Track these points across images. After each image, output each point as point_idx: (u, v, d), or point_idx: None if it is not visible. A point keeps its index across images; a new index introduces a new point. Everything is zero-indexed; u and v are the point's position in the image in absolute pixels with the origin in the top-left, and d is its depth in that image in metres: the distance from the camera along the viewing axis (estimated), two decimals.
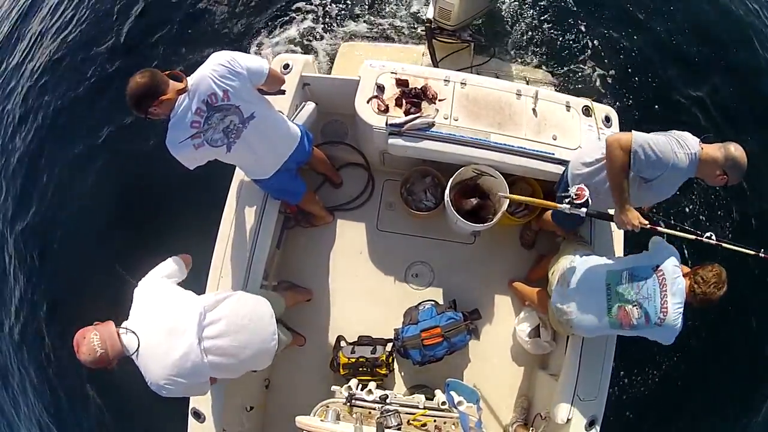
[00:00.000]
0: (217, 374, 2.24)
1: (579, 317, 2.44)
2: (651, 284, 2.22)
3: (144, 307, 2.06)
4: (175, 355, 2.00)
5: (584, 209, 2.26)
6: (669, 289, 2.18)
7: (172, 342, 2.01)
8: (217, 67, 2.11)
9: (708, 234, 2.22)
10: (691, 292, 2.17)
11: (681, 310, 2.18)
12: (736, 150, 2.10)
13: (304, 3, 5.08)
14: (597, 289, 2.37)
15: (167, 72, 2.08)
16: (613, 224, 2.37)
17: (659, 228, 2.25)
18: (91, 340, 1.87)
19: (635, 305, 2.24)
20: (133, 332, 1.95)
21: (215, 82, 2.10)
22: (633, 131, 2.18)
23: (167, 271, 2.22)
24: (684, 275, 2.22)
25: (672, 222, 2.36)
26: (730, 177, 2.12)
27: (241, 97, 2.18)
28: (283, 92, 2.56)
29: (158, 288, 2.15)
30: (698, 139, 2.19)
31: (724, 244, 2.23)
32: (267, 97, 2.43)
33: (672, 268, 2.22)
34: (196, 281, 2.41)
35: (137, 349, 1.93)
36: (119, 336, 1.93)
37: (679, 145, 2.13)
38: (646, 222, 2.20)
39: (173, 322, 2.05)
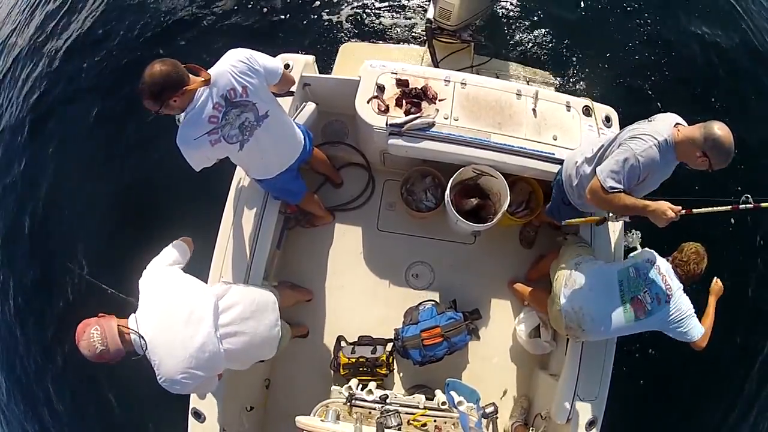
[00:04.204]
0: (230, 364, 2.19)
1: (593, 319, 2.44)
2: (652, 272, 2.37)
3: (154, 299, 1.96)
4: (194, 345, 1.92)
5: (626, 217, 2.40)
6: (665, 272, 2.36)
7: (188, 332, 1.93)
8: (236, 63, 2.11)
9: (743, 198, 2.09)
10: (675, 273, 2.36)
11: (680, 286, 2.34)
12: (719, 129, 1.96)
13: (304, 4, 5.08)
14: (610, 289, 2.41)
15: (184, 65, 2.04)
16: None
17: (694, 210, 2.14)
18: (91, 336, 1.75)
19: (645, 291, 2.34)
20: (140, 335, 1.83)
21: (235, 78, 2.09)
22: (595, 174, 2.20)
23: (171, 258, 2.14)
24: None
25: (701, 200, 2.20)
26: (711, 159, 1.99)
27: (258, 94, 2.18)
28: (291, 93, 2.57)
29: (166, 277, 2.06)
30: (673, 122, 2.13)
31: (764, 204, 2.08)
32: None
33: (658, 258, 2.42)
34: None
35: (146, 346, 1.82)
36: (122, 335, 1.81)
37: (641, 142, 2.09)
38: (679, 207, 2.10)
39: (188, 312, 1.97)
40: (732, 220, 4.23)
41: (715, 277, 2.57)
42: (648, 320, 2.35)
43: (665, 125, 2.13)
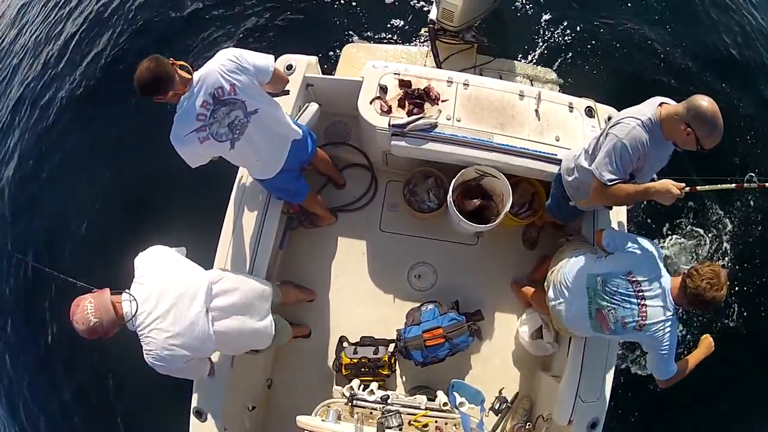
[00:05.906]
0: (221, 347, 2.22)
1: (569, 318, 2.45)
2: (623, 290, 2.14)
3: (149, 274, 2.01)
4: (184, 323, 1.96)
5: None
6: (646, 293, 2.09)
7: (179, 309, 1.98)
8: (225, 62, 2.16)
9: (748, 176, 2.03)
10: (682, 288, 1.99)
11: (663, 314, 2.05)
12: (703, 100, 1.91)
13: (307, 5, 5.09)
14: (580, 292, 2.35)
15: (178, 63, 2.11)
16: None
17: (698, 188, 2.09)
18: (85, 308, 1.79)
19: (610, 310, 2.17)
20: (135, 299, 1.89)
21: (223, 76, 2.14)
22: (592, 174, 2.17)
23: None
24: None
25: (706, 177, 2.15)
26: (697, 131, 1.92)
27: (247, 92, 2.21)
28: (287, 92, 2.59)
29: (163, 255, 2.12)
30: (658, 102, 2.08)
31: None
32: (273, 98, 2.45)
33: (648, 269, 2.12)
34: None
35: (134, 316, 1.87)
36: (115, 305, 1.86)
37: (625, 127, 2.05)
38: (683, 185, 2.02)
39: (181, 290, 2.02)
40: None
41: (707, 334, 2.33)
42: (614, 337, 2.25)
43: (649, 105, 2.11)
